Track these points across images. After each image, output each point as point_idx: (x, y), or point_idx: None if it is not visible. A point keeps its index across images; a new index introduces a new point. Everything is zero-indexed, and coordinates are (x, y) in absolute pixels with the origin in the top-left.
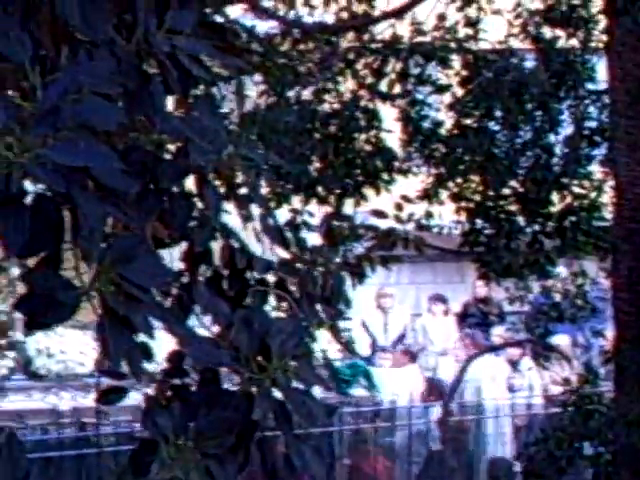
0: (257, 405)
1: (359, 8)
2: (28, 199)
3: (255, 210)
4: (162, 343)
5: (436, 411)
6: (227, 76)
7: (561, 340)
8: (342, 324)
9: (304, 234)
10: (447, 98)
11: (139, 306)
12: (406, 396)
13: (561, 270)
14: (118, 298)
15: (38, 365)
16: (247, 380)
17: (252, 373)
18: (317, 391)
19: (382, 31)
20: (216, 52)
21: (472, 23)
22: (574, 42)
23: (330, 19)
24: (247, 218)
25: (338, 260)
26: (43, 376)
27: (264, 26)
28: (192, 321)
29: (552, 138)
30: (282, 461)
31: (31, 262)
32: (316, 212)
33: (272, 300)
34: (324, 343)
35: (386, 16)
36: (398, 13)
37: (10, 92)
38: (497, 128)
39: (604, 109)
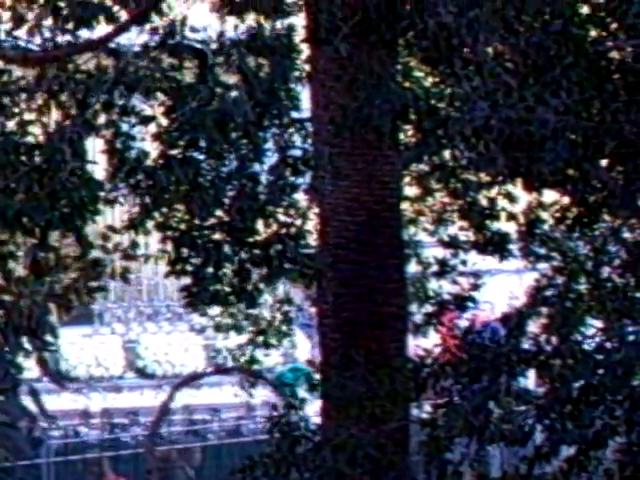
0: None
1: (63, 38)
2: None
3: None
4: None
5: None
6: None
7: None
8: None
9: (11, 265)
10: (152, 128)
11: None
12: None
13: (267, 298)
14: None
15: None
16: None
17: None
18: None
19: (86, 61)
20: None
21: (175, 53)
22: (277, 71)
23: (34, 49)
24: None
25: (44, 291)
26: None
27: None
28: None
29: (257, 167)
30: None
31: None
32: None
33: None
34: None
35: (90, 46)
36: (101, 43)
37: None
38: (202, 158)
39: (308, 137)
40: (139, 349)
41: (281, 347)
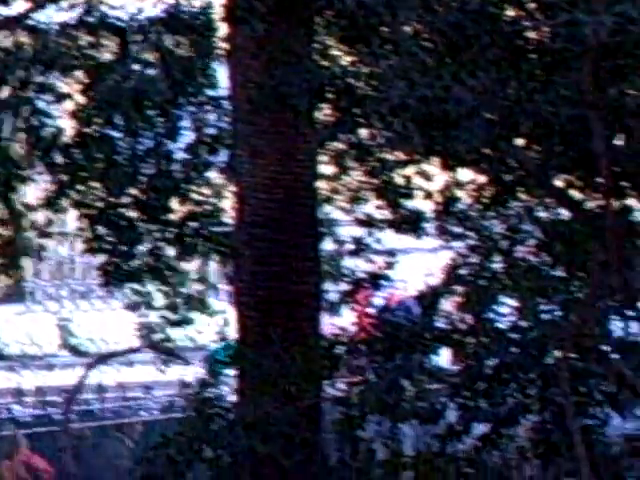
0: None
1: None
2: None
3: None
4: None
5: None
6: None
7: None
8: None
9: None
10: (69, 106)
11: None
12: None
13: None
14: None
15: None
16: None
17: None
18: None
19: (4, 38)
20: None
21: (94, 31)
22: (194, 49)
23: None
24: None
25: None
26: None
27: None
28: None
29: (173, 145)
30: None
31: None
32: None
33: None
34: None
35: (7, 23)
36: (19, 20)
37: None
38: (118, 136)
39: (225, 116)
40: (72, 327)
41: (211, 325)
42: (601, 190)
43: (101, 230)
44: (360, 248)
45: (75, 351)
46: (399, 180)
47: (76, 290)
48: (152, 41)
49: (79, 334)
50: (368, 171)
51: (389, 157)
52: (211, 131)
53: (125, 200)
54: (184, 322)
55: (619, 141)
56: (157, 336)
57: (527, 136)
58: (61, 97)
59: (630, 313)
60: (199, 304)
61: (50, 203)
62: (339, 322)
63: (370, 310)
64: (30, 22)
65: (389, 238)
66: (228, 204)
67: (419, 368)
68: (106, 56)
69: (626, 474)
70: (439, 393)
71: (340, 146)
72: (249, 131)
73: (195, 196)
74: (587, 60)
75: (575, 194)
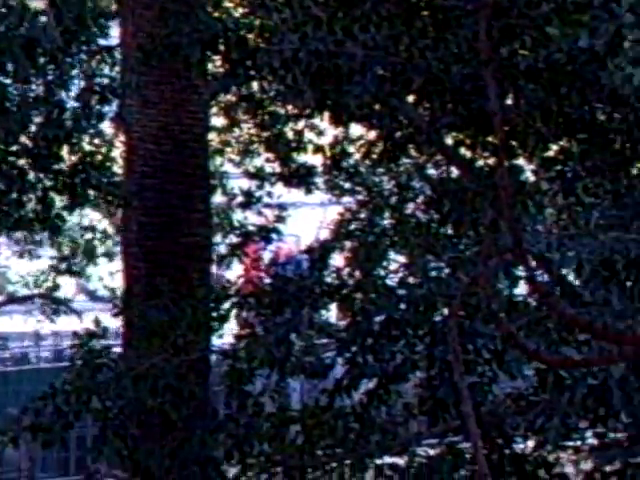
0: None
1: None
2: None
3: None
4: None
5: None
6: None
7: None
8: None
9: None
10: None
11: None
12: None
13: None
14: None
15: None
16: None
17: None
18: None
19: None
20: None
21: None
22: None
23: None
24: None
25: None
26: None
27: None
28: None
29: (63, 94)
30: None
31: None
32: None
33: None
34: None
35: None
36: None
37: None
38: (9, 82)
39: (116, 65)
40: None
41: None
42: (494, 149)
43: None
44: (250, 201)
45: None
46: (290, 134)
47: None
48: None
49: None
50: (259, 124)
51: (280, 111)
52: (103, 80)
53: (15, 148)
54: (72, 272)
55: (509, 101)
56: (46, 285)
57: (418, 93)
58: None
59: (519, 273)
60: (88, 254)
61: None
62: (229, 275)
63: (259, 263)
64: None
65: (279, 192)
66: (118, 154)
67: (308, 323)
68: None
69: (512, 432)
70: (328, 348)
71: (231, 98)
72: (140, 81)
73: (85, 146)
74: (482, 18)
75: (465, 153)
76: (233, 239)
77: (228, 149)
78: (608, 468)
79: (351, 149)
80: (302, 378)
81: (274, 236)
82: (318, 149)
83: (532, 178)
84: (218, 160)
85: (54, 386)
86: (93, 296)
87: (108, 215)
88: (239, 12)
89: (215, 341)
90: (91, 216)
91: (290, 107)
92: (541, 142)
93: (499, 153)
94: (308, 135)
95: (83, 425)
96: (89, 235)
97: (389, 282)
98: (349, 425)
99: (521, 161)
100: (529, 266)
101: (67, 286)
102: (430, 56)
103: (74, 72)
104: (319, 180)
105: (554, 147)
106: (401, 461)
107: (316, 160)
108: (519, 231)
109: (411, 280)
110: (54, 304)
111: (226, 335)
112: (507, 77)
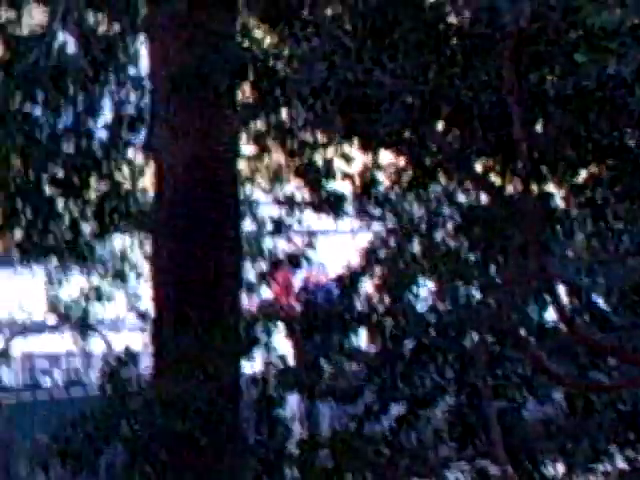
0: None
1: None
2: None
3: None
4: None
5: None
6: None
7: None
8: None
9: None
10: None
11: None
12: None
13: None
14: None
15: None
16: None
17: None
18: None
19: None
20: None
21: (15, 6)
22: (116, 27)
23: None
24: None
25: None
26: None
27: None
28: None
29: (93, 124)
30: None
31: None
32: None
33: None
34: None
35: None
36: None
37: None
38: (39, 113)
39: (145, 95)
40: None
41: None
42: (520, 175)
43: (19, 206)
44: (280, 228)
45: None
46: (319, 161)
47: None
48: (73, 18)
49: None
50: (288, 152)
51: (310, 138)
52: (131, 109)
53: (44, 177)
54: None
55: (539, 127)
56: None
57: (447, 120)
58: None
59: (547, 298)
60: (119, 281)
61: None
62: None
63: (289, 290)
64: None
65: (309, 219)
66: (148, 183)
67: (337, 348)
68: (26, 32)
69: (542, 457)
70: (357, 373)
71: (261, 127)
72: (169, 110)
73: (115, 174)
74: (507, 46)
75: (494, 179)
76: (263, 267)
77: (258, 177)
78: None
79: (380, 176)
80: (332, 403)
81: (304, 263)
82: (347, 176)
83: (562, 204)
84: (248, 188)
85: (84, 413)
86: (144, 316)
87: (139, 244)
88: (268, 41)
89: (245, 368)
90: (124, 243)
91: (319, 135)
92: (570, 168)
93: (525, 179)
94: (337, 162)
95: (113, 452)
96: (120, 265)
97: (419, 308)
98: (379, 450)
99: (551, 187)
100: (555, 292)
101: (117, 305)
102: (459, 84)
103: (103, 102)
104: (349, 207)
105: (583, 173)
106: None
107: (346, 187)
108: (545, 257)
109: (441, 306)
110: (83, 330)
111: (256, 361)
112: (536, 104)
